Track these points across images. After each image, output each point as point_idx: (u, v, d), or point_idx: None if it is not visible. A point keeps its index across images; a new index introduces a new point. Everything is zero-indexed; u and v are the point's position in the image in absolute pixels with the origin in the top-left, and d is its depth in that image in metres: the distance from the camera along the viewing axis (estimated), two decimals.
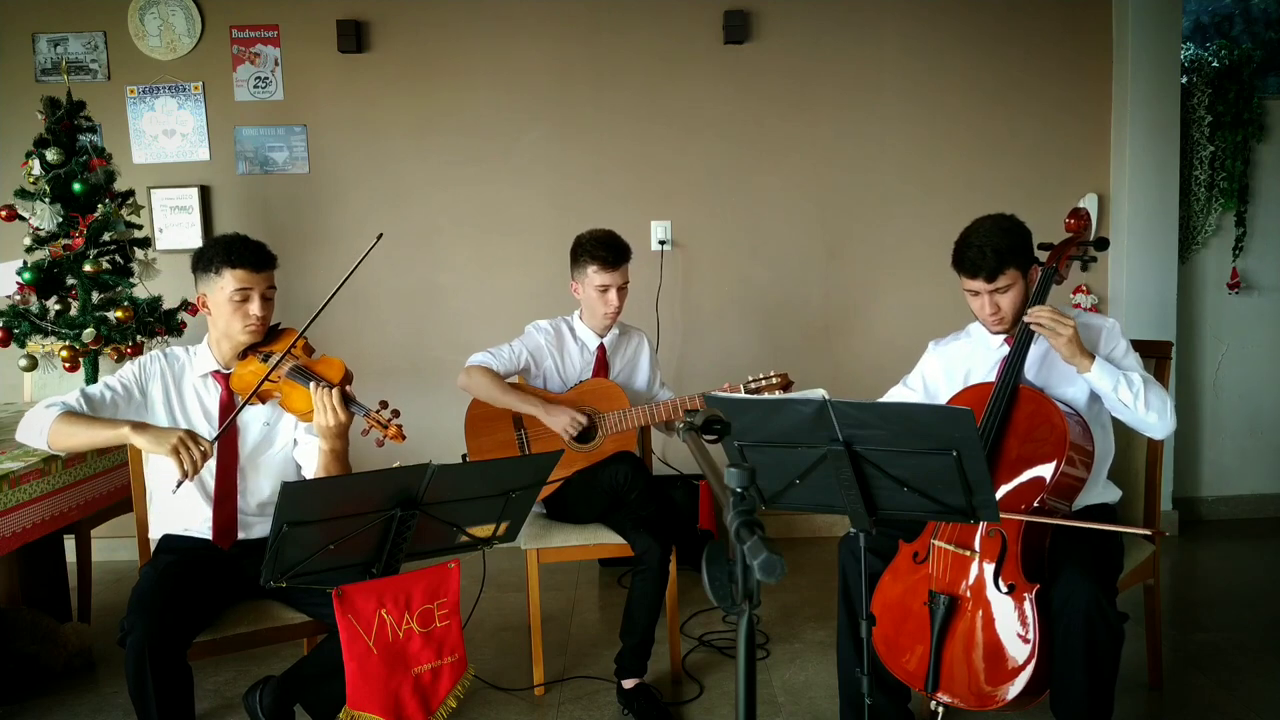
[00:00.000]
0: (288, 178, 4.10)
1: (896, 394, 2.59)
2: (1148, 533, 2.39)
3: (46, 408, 2.22)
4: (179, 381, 2.38)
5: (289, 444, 2.44)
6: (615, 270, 2.85)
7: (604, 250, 2.83)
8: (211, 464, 2.32)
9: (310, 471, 2.38)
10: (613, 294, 2.87)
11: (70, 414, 2.21)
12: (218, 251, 2.31)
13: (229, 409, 2.36)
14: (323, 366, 2.29)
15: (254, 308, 2.32)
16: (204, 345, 2.42)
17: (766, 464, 1.88)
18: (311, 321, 2.30)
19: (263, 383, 2.24)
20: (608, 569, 3.92)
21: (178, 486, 2.15)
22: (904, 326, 4.08)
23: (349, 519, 1.89)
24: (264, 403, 2.34)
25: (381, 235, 2.37)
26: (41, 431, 2.21)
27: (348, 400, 2.20)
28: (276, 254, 2.38)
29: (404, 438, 2.17)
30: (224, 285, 2.30)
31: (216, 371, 2.39)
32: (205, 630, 2.19)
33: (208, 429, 2.34)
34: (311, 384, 2.20)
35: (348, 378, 2.27)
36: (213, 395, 2.39)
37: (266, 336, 2.39)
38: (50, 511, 2.63)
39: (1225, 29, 4.47)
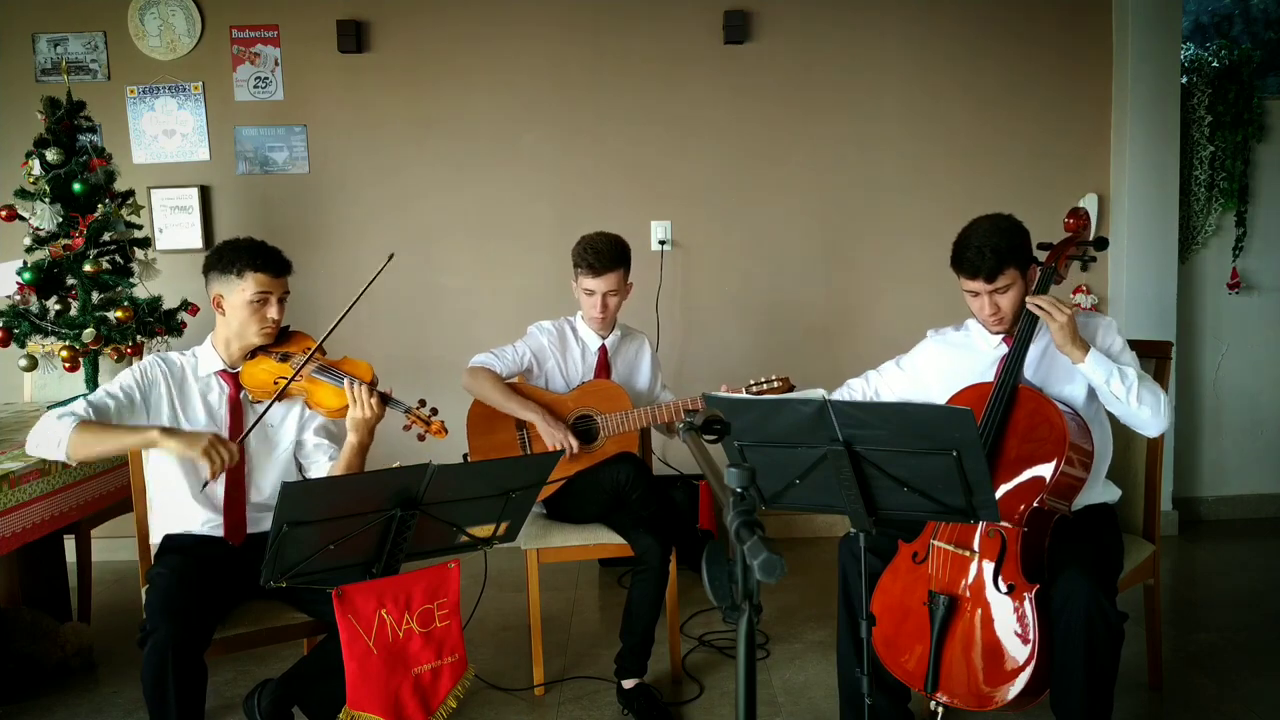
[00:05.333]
0: (288, 178, 4.10)
1: (887, 370, 2.63)
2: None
3: (59, 419, 2.18)
4: (180, 384, 2.40)
5: (291, 445, 2.47)
6: (599, 277, 2.83)
7: (590, 255, 2.83)
8: None
9: (315, 473, 2.44)
10: (597, 299, 2.86)
11: (87, 424, 2.18)
12: (240, 254, 2.35)
13: (237, 406, 2.40)
14: (350, 366, 2.38)
15: (271, 311, 2.38)
16: (207, 345, 2.43)
17: (766, 464, 1.88)
18: (331, 330, 2.37)
19: (291, 382, 2.31)
20: (608, 569, 3.92)
21: (204, 486, 2.26)
22: (904, 326, 4.04)
23: (349, 519, 1.89)
24: (280, 403, 2.38)
25: (393, 255, 2.44)
26: (60, 443, 2.16)
27: (385, 398, 2.29)
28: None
29: (446, 432, 2.28)
30: (244, 288, 2.34)
31: (223, 371, 2.40)
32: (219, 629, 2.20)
33: (211, 429, 2.35)
34: (346, 380, 2.29)
35: (375, 378, 2.36)
36: (219, 394, 2.40)
37: (277, 338, 2.45)
38: (50, 511, 2.63)
39: (1225, 29, 4.47)
